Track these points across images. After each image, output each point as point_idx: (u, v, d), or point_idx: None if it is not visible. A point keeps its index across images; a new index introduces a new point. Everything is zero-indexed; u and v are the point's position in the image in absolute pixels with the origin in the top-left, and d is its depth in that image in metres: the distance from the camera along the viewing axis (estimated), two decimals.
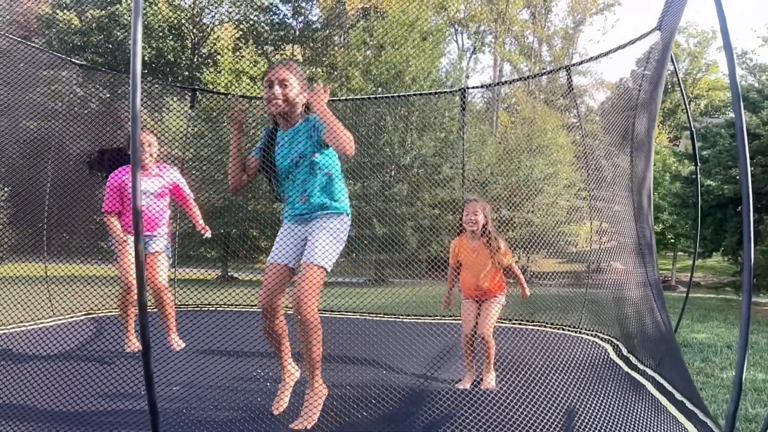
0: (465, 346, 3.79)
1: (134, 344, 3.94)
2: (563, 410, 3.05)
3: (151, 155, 3.96)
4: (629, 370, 4.10)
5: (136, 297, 3.63)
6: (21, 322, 5.54)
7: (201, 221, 4.22)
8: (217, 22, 24.51)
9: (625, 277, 4.94)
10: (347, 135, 2.60)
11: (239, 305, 7.53)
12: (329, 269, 2.63)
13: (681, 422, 2.92)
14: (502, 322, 6.30)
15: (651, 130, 4.57)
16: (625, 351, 4.78)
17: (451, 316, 6.70)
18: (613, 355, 4.69)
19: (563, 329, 6.04)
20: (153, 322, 3.77)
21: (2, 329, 5.18)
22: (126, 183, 3.82)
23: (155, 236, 3.99)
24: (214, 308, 7.29)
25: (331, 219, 2.73)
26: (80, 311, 6.18)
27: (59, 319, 5.86)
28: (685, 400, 3.22)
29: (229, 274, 15.33)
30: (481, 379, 3.73)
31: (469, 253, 3.85)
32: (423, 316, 6.88)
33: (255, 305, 7.56)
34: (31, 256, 6.84)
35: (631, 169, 4.77)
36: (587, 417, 2.88)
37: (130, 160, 2.00)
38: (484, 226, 3.79)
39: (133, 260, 3.74)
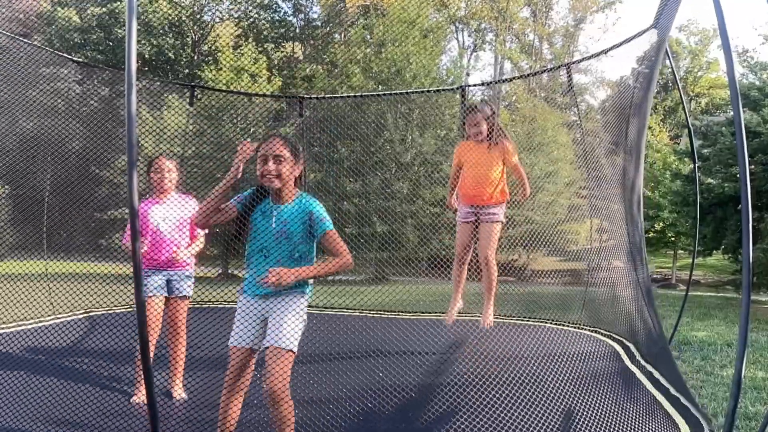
0: (456, 268, 3.71)
1: (141, 396, 3.73)
2: (563, 404, 3.05)
3: (171, 181, 3.84)
4: (629, 365, 4.10)
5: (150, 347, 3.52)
6: (22, 320, 5.54)
7: (192, 250, 4.01)
8: (217, 20, 24.49)
9: (623, 275, 4.95)
10: (347, 261, 2.65)
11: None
12: (296, 351, 2.60)
13: (673, 417, 2.92)
14: (503, 318, 6.30)
15: (641, 136, 4.56)
16: (625, 349, 4.78)
17: (463, 314, 6.69)
18: (614, 352, 4.70)
19: (563, 326, 6.04)
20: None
21: (3, 329, 5.18)
22: (145, 212, 3.67)
23: (181, 274, 3.83)
24: (214, 305, 7.29)
25: (293, 298, 2.66)
26: (80, 309, 6.18)
27: (59, 318, 5.86)
28: (680, 396, 3.23)
29: (230, 271, 15.33)
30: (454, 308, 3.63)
31: (474, 152, 3.71)
32: (423, 313, 6.88)
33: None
34: (31, 253, 6.84)
35: (624, 171, 4.78)
36: (587, 412, 2.88)
37: (128, 162, 1.97)
38: (490, 133, 3.65)
39: (153, 308, 3.61)
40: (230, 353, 2.62)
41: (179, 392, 3.67)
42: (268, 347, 2.54)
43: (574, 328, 5.91)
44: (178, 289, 3.75)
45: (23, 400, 3.03)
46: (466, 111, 3.84)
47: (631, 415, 2.90)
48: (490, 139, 3.64)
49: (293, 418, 2.59)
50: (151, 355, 3.63)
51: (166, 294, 3.71)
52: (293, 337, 2.58)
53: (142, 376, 3.65)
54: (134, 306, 2.06)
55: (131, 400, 3.38)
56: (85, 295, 6.06)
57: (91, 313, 6.15)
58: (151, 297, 3.56)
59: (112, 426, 2.76)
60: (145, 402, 3.41)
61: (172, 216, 3.76)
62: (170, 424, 2.72)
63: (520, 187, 3.77)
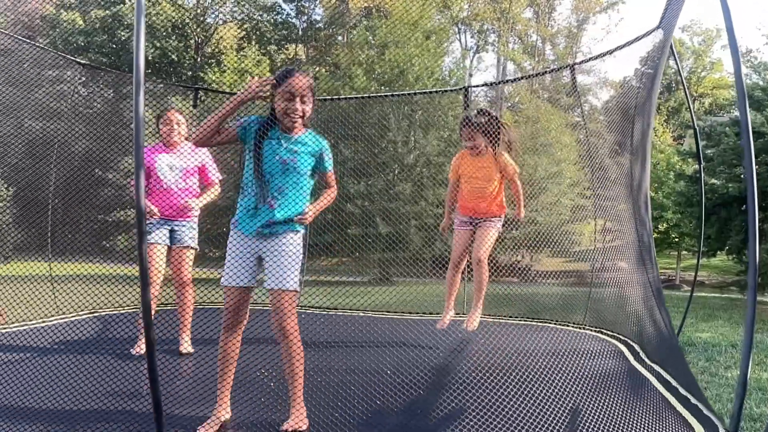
0: (450, 273, 3.69)
1: (142, 346, 3.82)
2: (568, 405, 3.05)
3: (180, 134, 3.88)
4: (636, 365, 4.09)
5: (154, 295, 3.58)
6: (26, 320, 5.56)
7: (201, 202, 3.98)
8: (220, 22, 24.56)
9: (628, 276, 4.93)
10: (336, 193, 2.92)
11: None
12: (299, 291, 2.67)
13: (684, 417, 2.91)
14: (506, 319, 6.30)
15: (646, 135, 4.55)
16: (630, 349, 4.77)
17: (456, 314, 6.69)
18: (619, 353, 4.68)
19: (568, 326, 6.03)
20: (168, 320, 3.77)
21: (8, 328, 5.20)
22: (151, 159, 3.70)
23: (187, 226, 3.82)
24: (217, 306, 7.30)
25: (290, 237, 2.69)
26: (84, 309, 6.20)
27: (64, 318, 5.88)
28: (690, 396, 3.22)
29: None
30: (465, 318, 3.60)
31: (471, 166, 3.65)
32: (427, 313, 6.88)
33: (258, 304, 7.58)
34: (35, 255, 6.86)
35: (631, 171, 4.77)
36: (593, 413, 2.88)
37: (135, 164, 1.98)
38: (491, 142, 3.59)
39: (155, 255, 3.64)
40: (226, 293, 2.63)
41: (186, 346, 3.71)
42: (273, 290, 2.59)
43: (579, 328, 5.90)
44: (180, 239, 3.75)
45: (28, 397, 3.04)
46: (460, 123, 3.79)
47: (640, 416, 2.90)
48: (493, 142, 3.59)
49: (302, 353, 2.74)
50: (154, 305, 3.71)
51: (168, 243, 3.73)
52: (295, 277, 2.66)
53: (143, 332, 3.74)
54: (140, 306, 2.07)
55: (131, 351, 3.44)
56: (89, 296, 6.08)
57: (96, 314, 6.17)
58: (152, 244, 3.59)
59: (117, 424, 2.76)
60: (144, 353, 3.49)
61: (179, 164, 3.79)
62: (174, 420, 2.73)
63: (516, 204, 3.74)
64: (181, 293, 3.74)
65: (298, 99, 2.63)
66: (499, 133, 3.61)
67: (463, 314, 6.54)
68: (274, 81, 2.63)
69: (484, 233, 3.56)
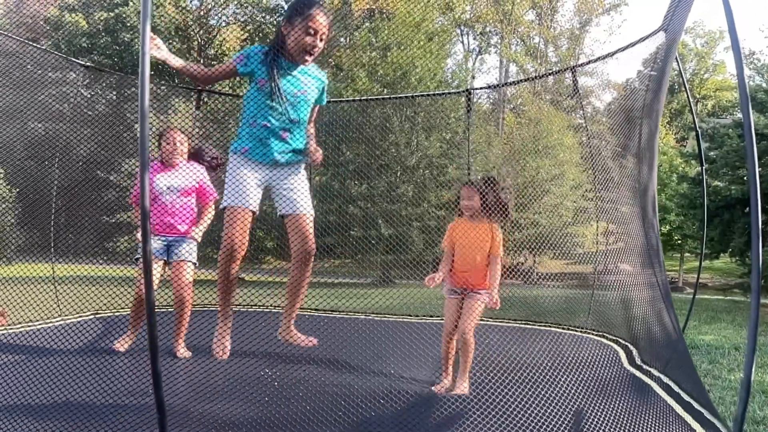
0: (444, 342, 3.69)
1: (124, 344, 3.83)
2: (569, 411, 3.04)
3: (181, 154, 3.87)
4: (636, 372, 4.08)
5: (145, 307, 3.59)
6: (29, 321, 5.57)
7: (200, 229, 4.01)
8: (223, 24, 24.61)
9: (632, 278, 4.92)
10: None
11: (245, 305, 7.54)
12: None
13: (689, 423, 2.90)
14: (507, 322, 6.29)
15: (653, 137, 4.53)
16: (633, 352, 4.76)
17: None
18: (621, 357, 4.67)
19: (570, 329, 6.02)
20: (165, 322, 3.76)
21: (11, 329, 5.21)
22: (151, 181, 3.70)
23: (182, 241, 3.82)
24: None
25: (298, 167, 2.79)
26: (87, 311, 6.21)
27: (67, 319, 5.89)
28: (692, 401, 3.21)
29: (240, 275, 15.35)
30: (454, 384, 3.58)
31: (465, 232, 3.61)
32: (429, 316, 6.87)
33: (260, 305, 7.58)
34: (38, 256, 6.87)
35: (638, 172, 4.75)
36: (593, 418, 2.87)
37: (140, 164, 1.99)
38: (485, 208, 3.58)
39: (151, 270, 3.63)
40: (234, 213, 2.62)
41: (183, 351, 3.72)
42: (296, 215, 2.68)
43: (581, 332, 5.89)
44: (177, 253, 3.73)
45: (31, 398, 3.04)
46: (462, 183, 3.81)
47: (643, 421, 2.89)
48: (488, 214, 3.57)
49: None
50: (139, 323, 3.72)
51: (165, 258, 3.73)
52: (310, 202, 2.82)
53: (130, 328, 3.75)
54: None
55: (113, 345, 3.44)
56: (92, 298, 6.09)
57: (99, 315, 6.17)
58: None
59: (120, 426, 2.76)
60: (124, 348, 3.51)
61: (178, 185, 3.79)
62: (177, 421, 2.73)
63: (490, 285, 3.59)
64: (178, 303, 3.72)
65: (319, 37, 2.64)
66: (498, 204, 3.59)
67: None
68: (301, 15, 2.62)
69: (471, 307, 3.54)
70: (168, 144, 3.82)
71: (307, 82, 2.72)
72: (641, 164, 4.70)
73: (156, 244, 3.68)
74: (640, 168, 4.71)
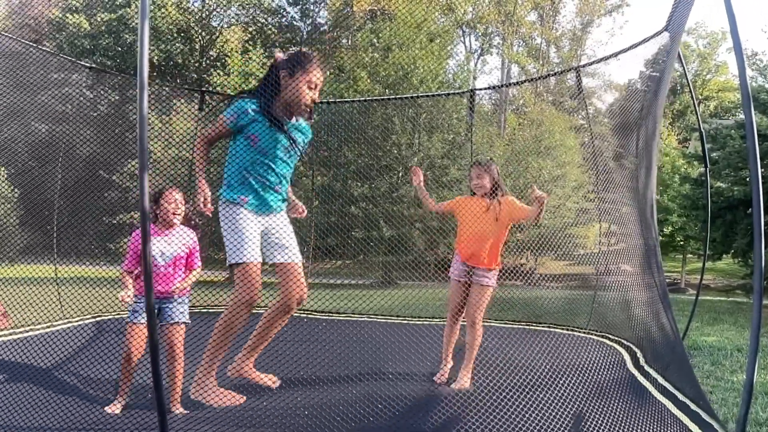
0: (448, 325, 3.67)
1: (116, 408, 3.64)
2: (571, 411, 3.04)
3: (180, 215, 3.76)
4: (635, 373, 4.07)
5: (134, 371, 3.48)
6: (32, 324, 5.58)
7: (188, 283, 3.95)
8: (225, 25, 24.64)
9: (632, 279, 4.91)
10: None
11: None
12: None
13: (686, 424, 2.90)
14: (509, 324, 6.28)
15: (652, 140, 4.52)
16: (636, 354, 4.75)
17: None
18: (621, 359, 4.66)
19: (571, 330, 6.01)
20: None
21: (14, 334, 5.21)
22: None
23: (174, 302, 3.75)
24: (222, 310, 7.30)
25: (286, 216, 2.85)
26: (89, 314, 6.21)
27: (69, 322, 5.90)
28: (689, 402, 3.20)
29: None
30: (455, 376, 3.56)
31: (473, 210, 3.62)
32: (431, 318, 6.87)
33: (262, 306, 7.56)
34: (41, 257, 6.88)
35: (637, 174, 4.74)
36: (595, 419, 2.87)
37: (139, 166, 1.98)
38: (493, 190, 3.60)
39: (139, 334, 3.53)
40: (251, 270, 2.62)
41: (179, 409, 3.59)
42: (294, 262, 2.78)
43: (582, 333, 5.88)
44: (170, 315, 3.65)
45: (33, 401, 3.05)
46: (472, 163, 3.83)
47: (641, 422, 2.88)
48: (493, 196, 3.59)
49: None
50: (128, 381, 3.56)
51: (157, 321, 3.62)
52: (298, 250, 2.87)
53: (120, 391, 3.57)
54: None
55: (105, 409, 3.28)
56: (94, 300, 6.09)
57: (100, 318, 6.18)
58: (136, 325, 3.49)
59: (121, 428, 2.77)
60: (116, 411, 3.35)
61: (170, 252, 3.68)
62: (178, 423, 2.73)
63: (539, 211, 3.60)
64: (171, 365, 3.62)
65: (317, 91, 2.65)
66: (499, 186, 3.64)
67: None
68: (303, 68, 2.61)
69: (479, 294, 3.53)
70: (170, 203, 3.70)
71: (298, 138, 2.73)
72: (639, 167, 4.70)
73: (143, 305, 3.57)
74: (639, 170, 4.71)
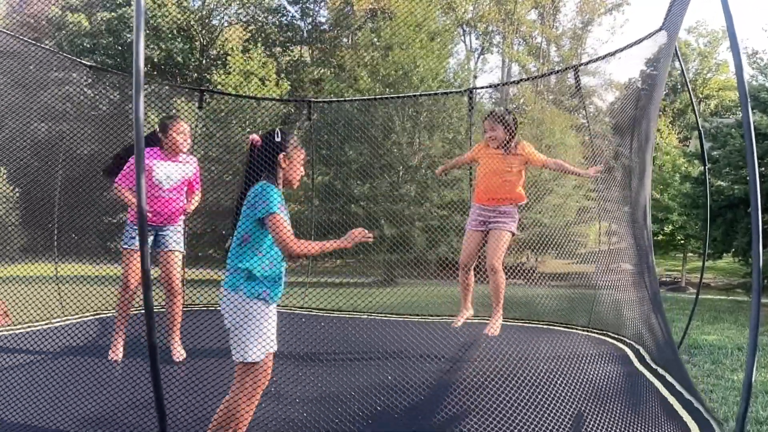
0: (461, 276, 3.66)
1: (118, 352, 3.68)
2: (573, 409, 3.04)
3: (186, 144, 3.80)
4: (642, 368, 4.07)
5: (133, 299, 3.52)
6: (32, 321, 5.59)
7: (191, 208, 3.95)
8: (225, 24, 24.64)
9: (632, 278, 4.91)
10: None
11: None
12: None
13: (686, 421, 2.90)
14: (511, 322, 6.28)
15: (648, 140, 4.52)
16: (637, 351, 4.75)
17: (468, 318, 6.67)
18: (622, 356, 4.67)
19: (573, 328, 6.01)
20: (159, 323, 3.75)
21: (14, 329, 5.23)
22: (150, 168, 3.61)
23: (172, 230, 3.77)
24: (213, 309, 7.30)
25: None
26: (89, 311, 6.22)
27: (69, 319, 5.91)
28: (693, 399, 3.21)
29: None
30: (487, 322, 3.56)
31: (491, 158, 3.62)
32: (432, 316, 6.87)
33: None
34: (41, 256, 6.89)
35: (631, 176, 4.74)
36: (597, 417, 2.87)
37: (135, 154, 1.99)
38: (507, 141, 3.60)
39: (136, 260, 3.59)
40: (264, 361, 2.51)
41: (178, 351, 3.62)
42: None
43: (583, 331, 5.89)
44: (166, 243, 3.66)
45: (33, 399, 3.05)
46: (486, 115, 3.82)
47: (643, 419, 2.89)
48: (507, 147, 3.60)
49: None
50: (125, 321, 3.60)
51: (152, 247, 3.66)
52: None
53: (117, 335, 3.61)
54: (142, 309, 2.07)
55: (108, 357, 3.32)
56: (94, 297, 6.10)
57: (100, 315, 6.19)
58: (134, 251, 3.51)
59: (120, 426, 2.77)
60: (118, 359, 3.38)
61: (176, 176, 3.74)
62: (177, 421, 2.73)
63: (573, 174, 3.67)
64: (170, 299, 3.64)
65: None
66: (515, 133, 3.65)
67: (478, 317, 6.56)
68: (295, 147, 2.60)
69: (497, 238, 3.49)
70: (179, 134, 3.74)
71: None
72: (633, 168, 4.70)
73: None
74: (633, 172, 4.71)
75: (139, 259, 3.52)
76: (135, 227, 3.59)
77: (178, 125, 3.78)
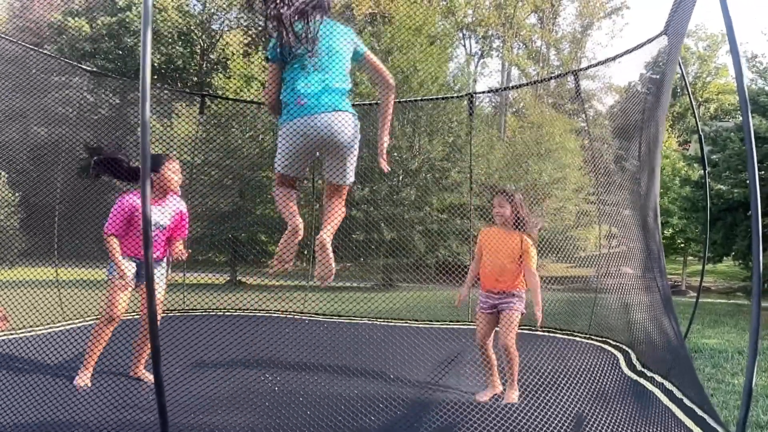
0: (483, 356, 3.73)
1: (86, 378, 3.56)
2: (571, 419, 3.04)
3: (178, 183, 3.71)
4: (638, 378, 4.07)
5: (112, 327, 3.45)
6: (33, 326, 5.58)
7: (180, 248, 3.91)
8: (226, 28, 24.69)
9: (634, 282, 4.91)
10: None
11: (247, 309, 7.55)
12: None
13: (691, 429, 2.89)
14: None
15: (655, 143, 4.52)
16: (634, 358, 4.75)
17: (458, 321, 6.68)
18: (622, 363, 4.66)
19: (572, 335, 6.01)
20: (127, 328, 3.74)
21: (15, 334, 5.22)
22: (137, 209, 3.53)
23: (155, 264, 3.71)
24: (222, 312, 7.31)
25: None
26: (90, 316, 6.22)
27: (69, 324, 5.91)
28: (695, 407, 3.20)
29: (238, 278, 15.38)
30: (502, 393, 3.62)
31: (495, 239, 3.72)
32: (431, 320, 6.87)
33: (263, 309, 7.58)
34: (42, 260, 6.89)
35: (639, 178, 4.74)
36: (596, 425, 2.87)
37: (140, 173, 1.98)
38: (516, 219, 3.67)
39: (120, 295, 3.50)
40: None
41: (147, 375, 3.57)
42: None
43: (583, 337, 5.88)
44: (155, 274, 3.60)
45: (34, 404, 3.05)
46: (495, 191, 3.90)
47: (644, 428, 2.88)
48: (517, 226, 3.67)
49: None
50: (106, 338, 3.51)
51: (135, 282, 3.61)
52: None
53: (89, 361, 3.51)
54: (138, 312, 2.08)
55: (74, 382, 3.23)
56: (95, 302, 6.10)
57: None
58: (124, 284, 3.47)
59: (122, 428, 2.77)
60: (85, 385, 3.30)
61: (164, 221, 3.68)
62: (179, 426, 2.73)
63: (534, 302, 3.65)
64: (145, 330, 3.58)
65: None
66: (524, 216, 3.71)
67: (465, 322, 6.56)
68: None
69: (509, 319, 3.61)
70: (175, 173, 3.65)
71: None
72: (642, 171, 4.69)
73: (130, 267, 3.54)
74: (641, 174, 4.70)
75: (124, 290, 3.48)
76: (123, 257, 3.54)
77: (171, 163, 3.67)
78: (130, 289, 3.51)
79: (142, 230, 3.49)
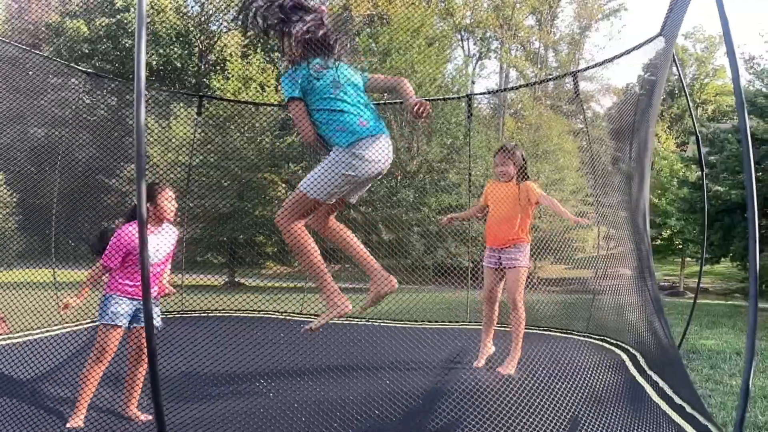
0: (486, 309, 3.75)
1: (79, 420, 3.43)
2: (569, 416, 3.04)
3: (172, 212, 3.64)
4: (638, 375, 4.07)
5: (102, 368, 3.34)
6: (29, 329, 5.57)
7: (166, 284, 3.84)
8: (224, 30, 24.66)
9: (630, 283, 4.92)
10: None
11: (245, 311, 7.54)
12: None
13: (683, 427, 2.90)
14: (508, 327, 6.27)
15: (645, 148, 4.54)
16: (633, 357, 4.75)
17: (457, 323, 6.68)
18: (619, 361, 4.67)
19: (570, 333, 6.01)
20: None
21: (11, 339, 5.20)
22: (136, 247, 3.37)
23: (156, 304, 3.60)
24: (220, 314, 7.30)
25: None
26: (87, 319, 6.21)
27: (66, 327, 5.89)
28: (684, 405, 3.21)
29: (236, 279, 15.37)
30: (501, 363, 3.62)
31: (499, 193, 3.77)
32: (429, 322, 6.86)
33: (261, 311, 7.58)
34: (39, 262, 6.87)
35: (631, 181, 4.76)
36: (593, 423, 2.87)
37: (136, 173, 1.98)
38: (519, 174, 3.73)
39: (112, 338, 3.38)
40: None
41: (139, 414, 3.43)
42: None
43: (582, 336, 5.89)
44: (142, 318, 3.49)
45: (32, 408, 3.04)
46: (497, 150, 3.96)
47: (640, 425, 2.88)
48: (518, 180, 3.72)
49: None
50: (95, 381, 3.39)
51: (128, 325, 3.47)
52: None
53: (81, 403, 3.37)
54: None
55: (67, 426, 3.07)
56: (92, 304, 6.07)
57: (98, 323, 6.17)
58: (113, 327, 3.35)
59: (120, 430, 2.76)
60: (78, 427, 3.17)
61: (164, 248, 3.57)
62: (176, 429, 2.73)
63: (561, 216, 3.81)
64: (137, 366, 3.48)
65: None
66: (526, 169, 3.79)
67: (477, 323, 6.55)
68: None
69: (514, 276, 3.67)
70: (170, 202, 3.59)
71: None
72: (633, 173, 4.71)
73: (125, 307, 3.38)
74: (632, 177, 4.72)
75: (117, 336, 3.37)
76: (115, 299, 3.41)
77: (165, 192, 3.61)
78: (121, 331, 3.38)
79: (139, 265, 3.27)
